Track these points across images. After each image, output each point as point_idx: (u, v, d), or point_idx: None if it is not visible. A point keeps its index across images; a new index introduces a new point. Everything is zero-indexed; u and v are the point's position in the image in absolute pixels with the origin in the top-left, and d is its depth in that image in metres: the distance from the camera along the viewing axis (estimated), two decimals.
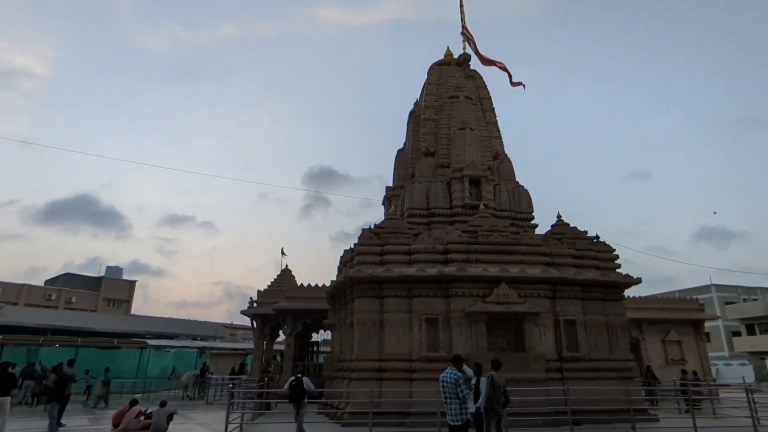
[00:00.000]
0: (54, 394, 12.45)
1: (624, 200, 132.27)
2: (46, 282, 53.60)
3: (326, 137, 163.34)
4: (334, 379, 15.60)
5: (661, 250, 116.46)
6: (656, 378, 18.33)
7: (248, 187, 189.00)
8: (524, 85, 21.52)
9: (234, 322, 40.42)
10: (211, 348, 29.81)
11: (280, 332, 23.49)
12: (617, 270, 15.39)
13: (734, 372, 31.51)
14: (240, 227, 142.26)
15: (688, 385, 13.70)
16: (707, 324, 27.60)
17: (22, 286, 45.29)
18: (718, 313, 41.01)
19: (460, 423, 7.36)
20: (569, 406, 11.10)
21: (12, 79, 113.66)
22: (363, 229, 15.71)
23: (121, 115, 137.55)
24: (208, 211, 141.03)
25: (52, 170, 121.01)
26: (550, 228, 16.59)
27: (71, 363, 15.11)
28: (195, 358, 31.78)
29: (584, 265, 14.99)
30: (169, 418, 11.69)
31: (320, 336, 27.31)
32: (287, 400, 11.11)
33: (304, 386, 10.83)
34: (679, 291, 47.67)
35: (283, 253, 29.66)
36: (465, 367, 8.74)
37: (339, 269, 17.23)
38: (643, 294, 28.07)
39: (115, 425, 12.10)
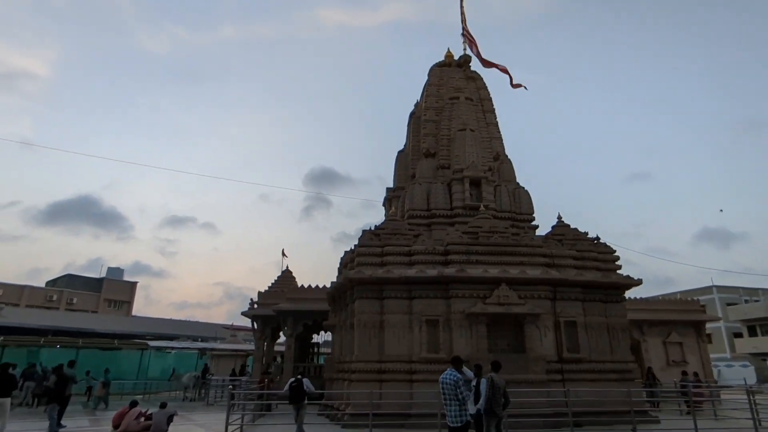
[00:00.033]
0: (54, 395, 12.43)
1: (625, 201, 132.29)
2: (48, 283, 53.69)
3: (327, 138, 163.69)
4: (334, 380, 15.60)
5: (662, 251, 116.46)
6: (657, 379, 18.29)
7: (249, 188, 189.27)
8: (525, 87, 21.54)
9: (234, 324, 40.50)
10: (212, 349, 29.85)
11: (281, 333, 23.48)
12: (618, 271, 15.37)
13: (736, 373, 31.46)
14: (241, 228, 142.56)
15: (689, 386, 13.66)
16: (709, 325, 27.55)
17: (23, 287, 45.38)
18: (720, 315, 40.93)
19: (459, 424, 7.35)
20: (570, 407, 11.08)
21: (13, 81, 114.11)
22: (363, 231, 15.72)
23: (122, 117, 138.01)
24: (209, 212, 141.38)
25: (53, 171, 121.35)
26: (550, 229, 16.59)
27: (72, 364, 15.11)
28: (195, 360, 31.80)
29: (585, 267, 14.96)
30: (170, 419, 11.66)
31: (321, 337, 27.29)
32: (287, 402, 11.11)
33: (304, 387, 10.82)
34: (681, 292, 47.53)
35: (283, 254, 29.63)
36: (465, 368, 8.73)
37: (339, 270, 17.23)
38: (644, 295, 27.97)
39: (115, 426, 12.07)
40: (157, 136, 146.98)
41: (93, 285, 52.07)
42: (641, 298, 23.35)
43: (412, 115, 22.47)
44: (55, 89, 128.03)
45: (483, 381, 8.64)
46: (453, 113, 19.37)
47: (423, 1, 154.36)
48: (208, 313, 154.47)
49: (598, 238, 16.12)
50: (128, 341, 30.57)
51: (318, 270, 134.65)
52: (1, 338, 23.80)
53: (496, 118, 20.44)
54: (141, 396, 22.46)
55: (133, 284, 56.03)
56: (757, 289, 48.94)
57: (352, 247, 15.62)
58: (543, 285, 14.20)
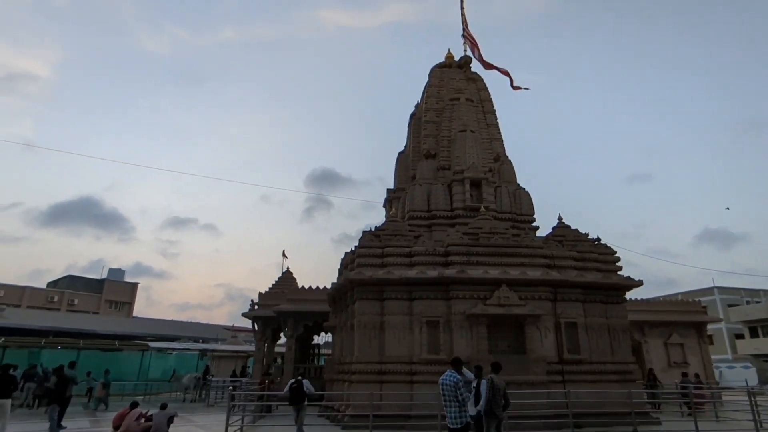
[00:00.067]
0: (55, 396, 12.45)
1: (625, 202, 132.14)
2: (49, 284, 53.78)
3: (328, 139, 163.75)
4: (334, 381, 15.59)
5: (663, 252, 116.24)
6: (658, 381, 18.26)
7: (250, 189, 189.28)
8: (527, 88, 21.52)
9: (235, 325, 40.47)
10: (213, 350, 29.85)
11: (281, 335, 23.48)
12: (619, 272, 15.36)
13: (737, 375, 31.38)
14: (242, 229, 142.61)
15: (690, 388, 13.64)
16: (710, 326, 27.53)
17: (24, 288, 45.46)
18: (721, 316, 40.86)
19: (459, 426, 7.34)
20: (570, 409, 11.08)
21: (15, 82, 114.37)
22: (364, 232, 15.73)
23: (122, 117, 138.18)
24: (211, 214, 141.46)
25: (55, 173, 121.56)
26: (551, 230, 16.58)
27: (72, 365, 15.12)
28: (196, 361, 31.79)
29: (585, 268, 14.95)
30: (170, 420, 11.64)
31: (321, 338, 27.27)
32: (287, 403, 11.10)
33: (305, 389, 10.82)
34: (682, 293, 47.44)
35: (284, 256, 29.62)
36: (465, 369, 8.73)
37: (340, 271, 17.23)
38: (645, 296, 27.97)
39: (116, 428, 12.05)
40: (157, 136, 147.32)
41: (94, 286, 52.14)
42: (642, 299, 23.30)
43: (412, 116, 22.48)
44: (56, 90, 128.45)
45: (483, 382, 8.63)
46: (453, 114, 19.38)
47: (424, 2, 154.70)
48: (209, 314, 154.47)
49: (598, 239, 16.12)
50: (129, 342, 30.60)
51: (319, 271, 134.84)
52: (3, 339, 23.84)
53: (496, 119, 20.43)
54: (141, 397, 22.46)
55: (134, 285, 56.09)
56: (758, 290, 48.83)
57: (353, 248, 15.64)
58: (543, 286, 14.19)
